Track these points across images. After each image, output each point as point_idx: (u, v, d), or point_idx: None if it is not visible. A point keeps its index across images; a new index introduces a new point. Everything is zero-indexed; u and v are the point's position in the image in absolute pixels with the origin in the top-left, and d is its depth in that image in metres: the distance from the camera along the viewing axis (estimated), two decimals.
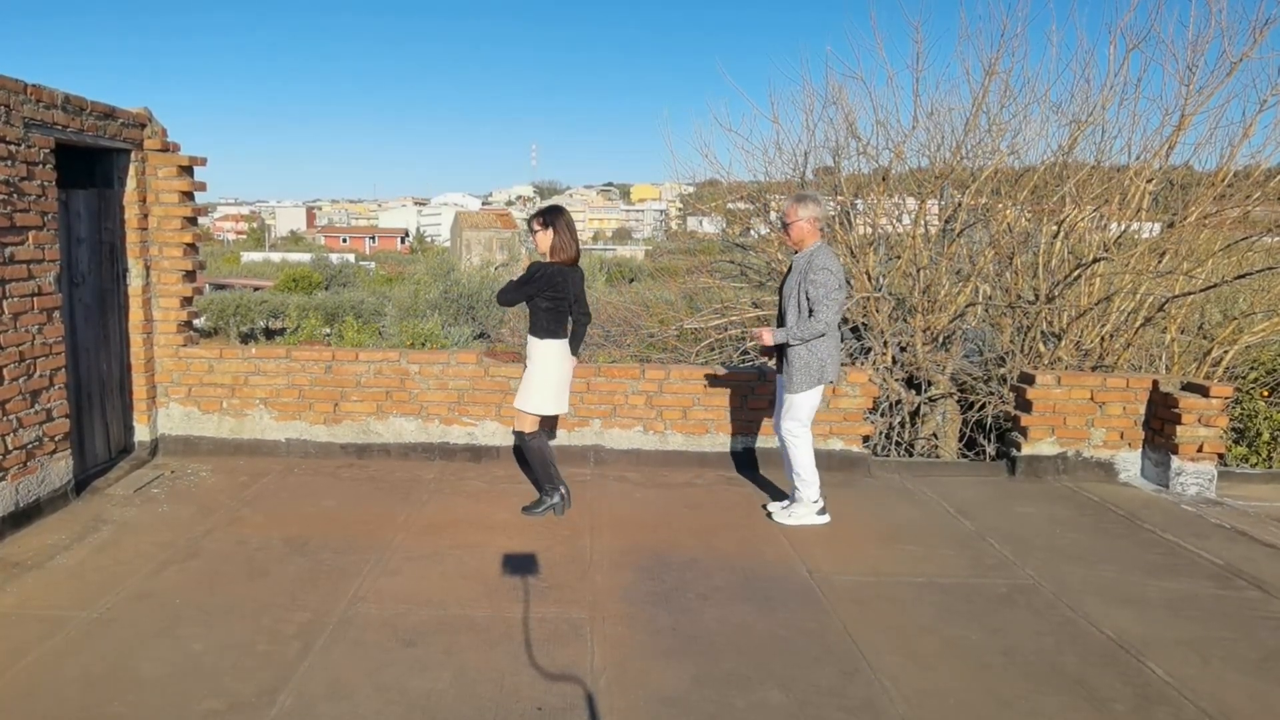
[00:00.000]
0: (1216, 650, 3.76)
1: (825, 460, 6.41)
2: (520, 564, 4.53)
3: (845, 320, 8.77)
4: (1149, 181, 8.19)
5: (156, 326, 6.30)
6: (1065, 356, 8.00)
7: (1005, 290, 8.53)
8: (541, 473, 5.30)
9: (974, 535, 5.16)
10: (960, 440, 8.49)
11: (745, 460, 6.44)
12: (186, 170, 6.25)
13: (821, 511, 5.24)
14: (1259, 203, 8.04)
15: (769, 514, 5.33)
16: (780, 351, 5.13)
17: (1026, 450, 6.42)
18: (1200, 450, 6.04)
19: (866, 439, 6.57)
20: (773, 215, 9.87)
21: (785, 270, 5.19)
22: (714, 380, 6.43)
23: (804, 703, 3.28)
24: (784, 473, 5.46)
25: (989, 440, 8.07)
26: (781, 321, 5.12)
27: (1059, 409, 6.39)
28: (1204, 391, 6.06)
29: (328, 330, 27.55)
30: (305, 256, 60.14)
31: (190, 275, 6.38)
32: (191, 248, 6.37)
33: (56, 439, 5.15)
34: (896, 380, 8.40)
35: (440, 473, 6.14)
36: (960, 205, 8.56)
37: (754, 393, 6.42)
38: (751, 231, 10.82)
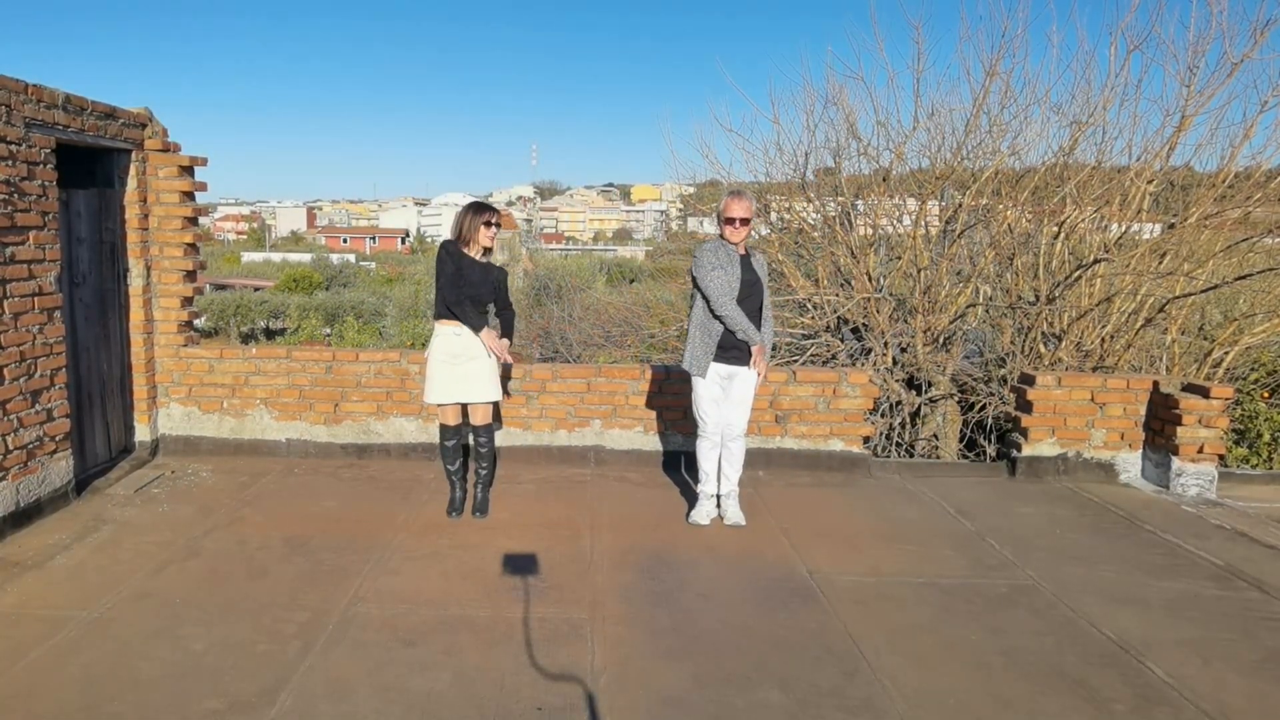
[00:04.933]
0: (1217, 651, 3.76)
1: (825, 460, 6.43)
2: (520, 564, 4.53)
3: (845, 321, 8.78)
4: (1150, 183, 8.20)
5: (157, 326, 6.31)
6: (1066, 357, 8.00)
7: (1006, 291, 8.53)
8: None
9: (974, 536, 5.16)
10: (961, 441, 8.49)
11: (746, 460, 6.42)
12: (187, 170, 6.25)
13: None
14: (1260, 204, 8.03)
15: (733, 522, 5.20)
16: (738, 345, 4.96)
17: (1027, 451, 6.42)
18: (1201, 451, 6.04)
19: (867, 440, 6.57)
20: (773, 216, 9.87)
21: (732, 265, 4.89)
22: None
23: (804, 703, 3.28)
24: (716, 475, 5.24)
25: (989, 441, 8.07)
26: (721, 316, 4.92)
27: (1059, 410, 6.39)
28: (1204, 393, 6.05)
29: (328, 330, 27.58)
30: (306, 257, 60.12)
31: (191, 275, 6.38)
32: (192, 247, 6.38)
33: (57, 439, 5.15)
34: (897, 381, 8.40)
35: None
36: (961, 206, 8.56)
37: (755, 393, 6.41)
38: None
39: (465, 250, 5.02)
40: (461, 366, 5.00)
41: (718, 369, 5.00)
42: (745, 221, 4.90)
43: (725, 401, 5.09)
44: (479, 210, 5.04)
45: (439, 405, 5.14)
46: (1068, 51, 16.45)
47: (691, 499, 5.44)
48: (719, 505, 5.29)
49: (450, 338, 5.00)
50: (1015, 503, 5.83)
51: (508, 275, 5.24)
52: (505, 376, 6.35)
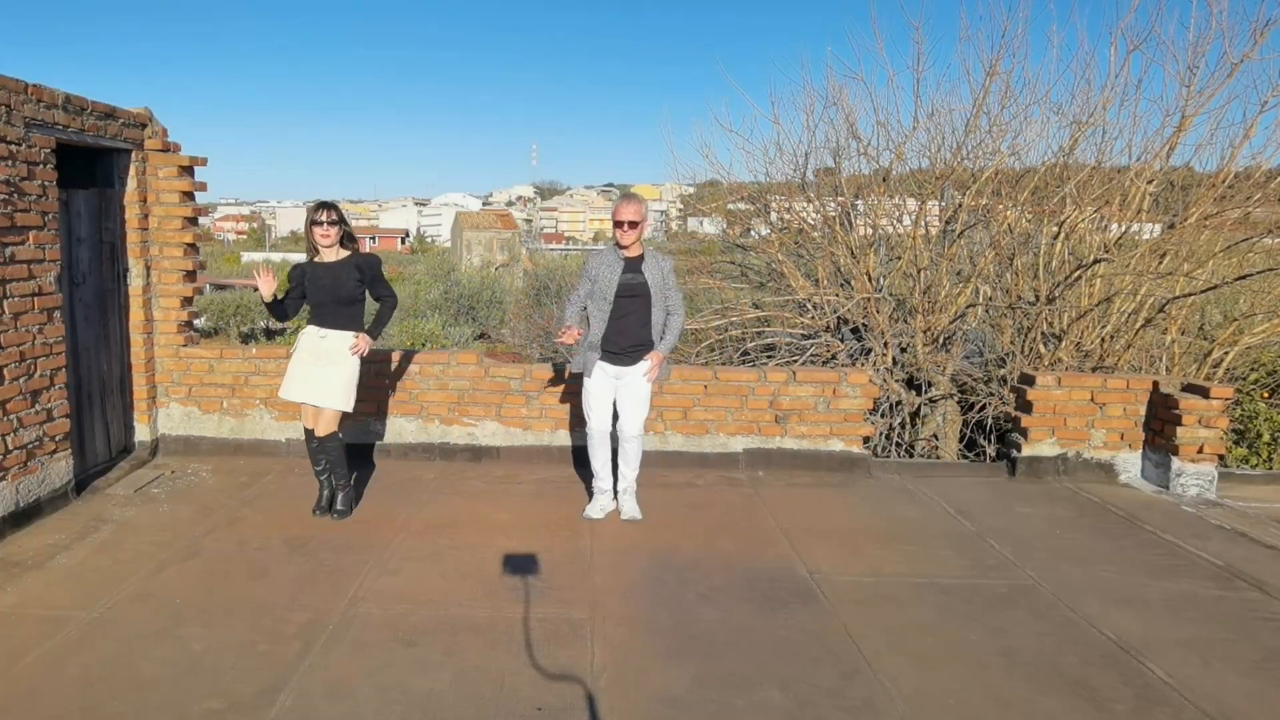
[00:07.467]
0: (1217, 651, 3.76)
1: (825, 460, 6.43)
2: (520, 564, 4.53)
3: (845, 321, 8.78)
4: (1149, 183, 8.19)
5: (157, 326, 6.30)
6: (1066, 357, 8.00)
7: (1006, 291, 8.53)
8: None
9: (974, 536, 5.15)
10: (960, 441, 8.49)
11: (745, 460, 6.44)
12: (187, 170, 6.25)
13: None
14: (1260, 204, 8.03)
15: (628, 517, 5.25)
16: (625, 346, 5.07)
17: (1027, 451, 6.42)
18: (1200, 451, 6.04)
19: (867, 440, 6.57)
20: (773, 216, 9.86)
21: (610, 269, 5.03)
22: (714, 380, 6.44)
23: (804, 703, 3.28)
24: (614, 471, 5.33)
25: (989, 441, 8.07)
26: (613, 319, 5.03)
27: (1059, 410, 6.39)
28: (1204, 393, 6.05)
29: None
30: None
31: (191, 275, 6.38)
32: (192, 247, 6.38)
33: (57, 439, 5.15)
34: (897, 381, 8.40)
35: (440, 473, 6.14)
36: (961, 206, 8.56)
37: (754, 393, 6.43)
38: (752, 232, 10.82)
39: (316, 258, 5.00)
40: (319, 369, 4.98)
41: (605, 368, 5.12)
42: (634, 225, 4.99)
43: (622, 401, 5.16)
44: (311, 214, 5.00)
45: (294, 403, 5.19)
46: (1068, 51, 16.53)
47: (686, 499, 5.44)
48: (616, 499, 5.36)
49: (314, 339, 5.01)
50: (1015, 503, 5.83)
51: (380, 262, 5.17)
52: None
